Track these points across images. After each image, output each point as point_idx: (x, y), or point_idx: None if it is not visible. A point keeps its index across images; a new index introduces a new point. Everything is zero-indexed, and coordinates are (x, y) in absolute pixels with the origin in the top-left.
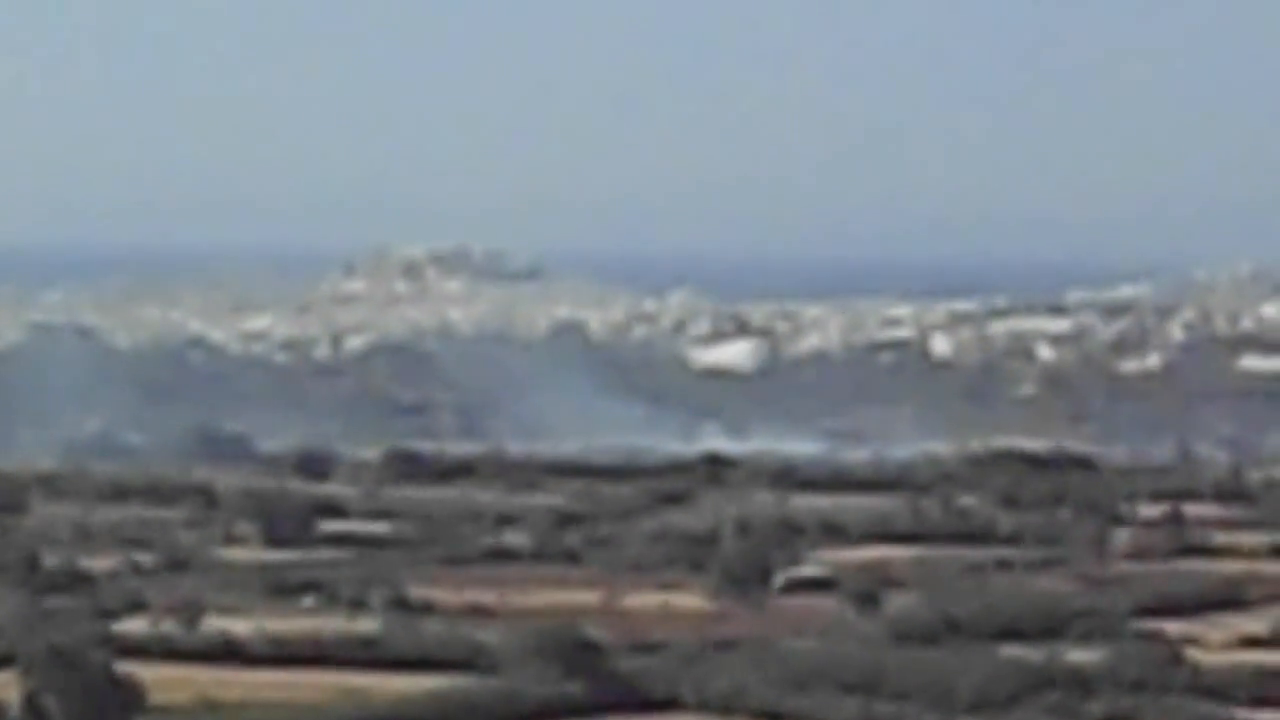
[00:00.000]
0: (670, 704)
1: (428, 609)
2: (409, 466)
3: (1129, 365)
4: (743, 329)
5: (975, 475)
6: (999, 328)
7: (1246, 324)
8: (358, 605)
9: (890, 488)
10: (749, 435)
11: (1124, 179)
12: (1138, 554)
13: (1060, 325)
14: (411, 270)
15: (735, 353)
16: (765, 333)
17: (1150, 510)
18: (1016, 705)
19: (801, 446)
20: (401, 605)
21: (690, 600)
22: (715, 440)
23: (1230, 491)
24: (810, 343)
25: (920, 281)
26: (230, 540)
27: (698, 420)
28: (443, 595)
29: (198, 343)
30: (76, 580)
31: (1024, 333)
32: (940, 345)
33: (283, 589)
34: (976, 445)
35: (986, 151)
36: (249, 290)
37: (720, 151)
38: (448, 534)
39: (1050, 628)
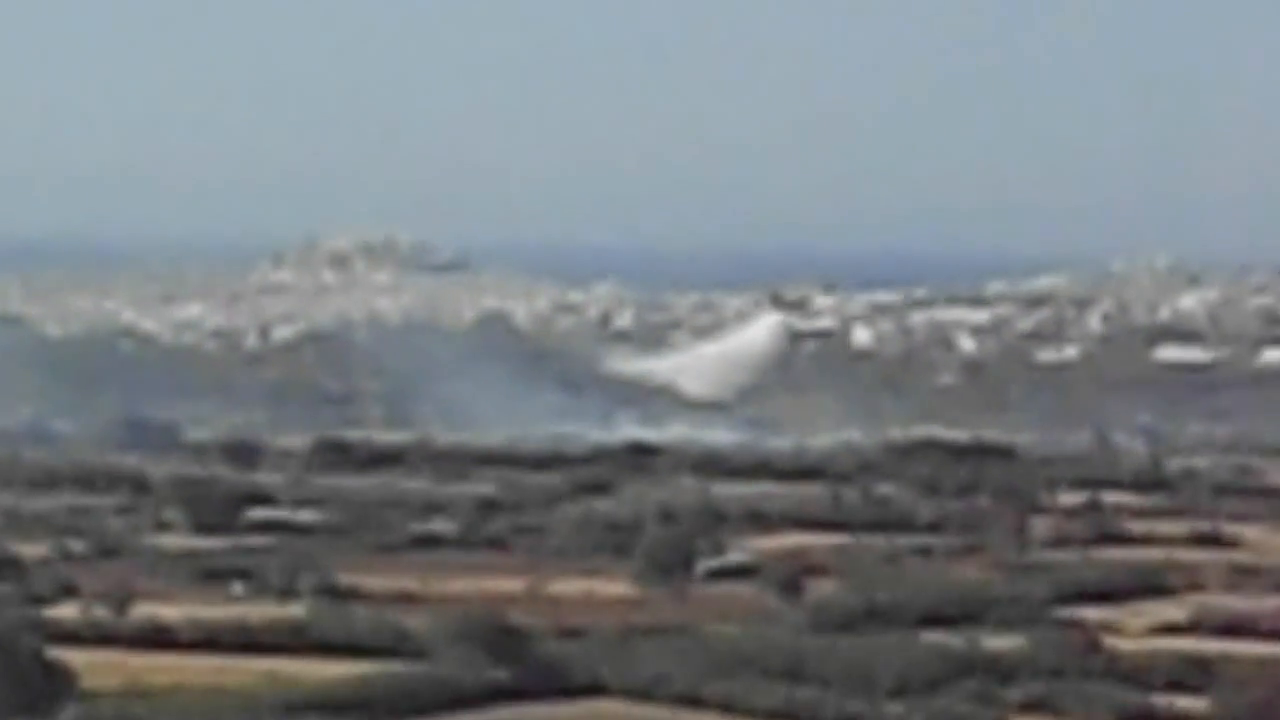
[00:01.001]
0: (594, 690)
1: (355, 595)
2: (337, 455)
3: (1047, 355)
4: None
5: (896, 464)
6: (919, 318)
7: (1163, 315)
8: (286, 592)
9: (812, 476)
10: (671, 424)
11: (1043, 171)
12: (1057, 542)
13: (980, 316)
14: (339, 261)
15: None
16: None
17: (1069, 498)
18: (936, 691)
19: (724, 435)
20: (329, 592)
21: (614, 587)
22: (638, 428)
23: (1148, 480)
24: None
25: (842, 273)
26: (160, 527)
27: (620, 408)
28: (370, 582)
29: (128, 332)
30: (7, 566)
31: (944, 323)
32: (861, 335)
33: (212, 575)
34: (897, 434)
35: (908, 144)
36: (179, 280)
37: (644, 144)
38: (375, 521)
39: (970, 614)
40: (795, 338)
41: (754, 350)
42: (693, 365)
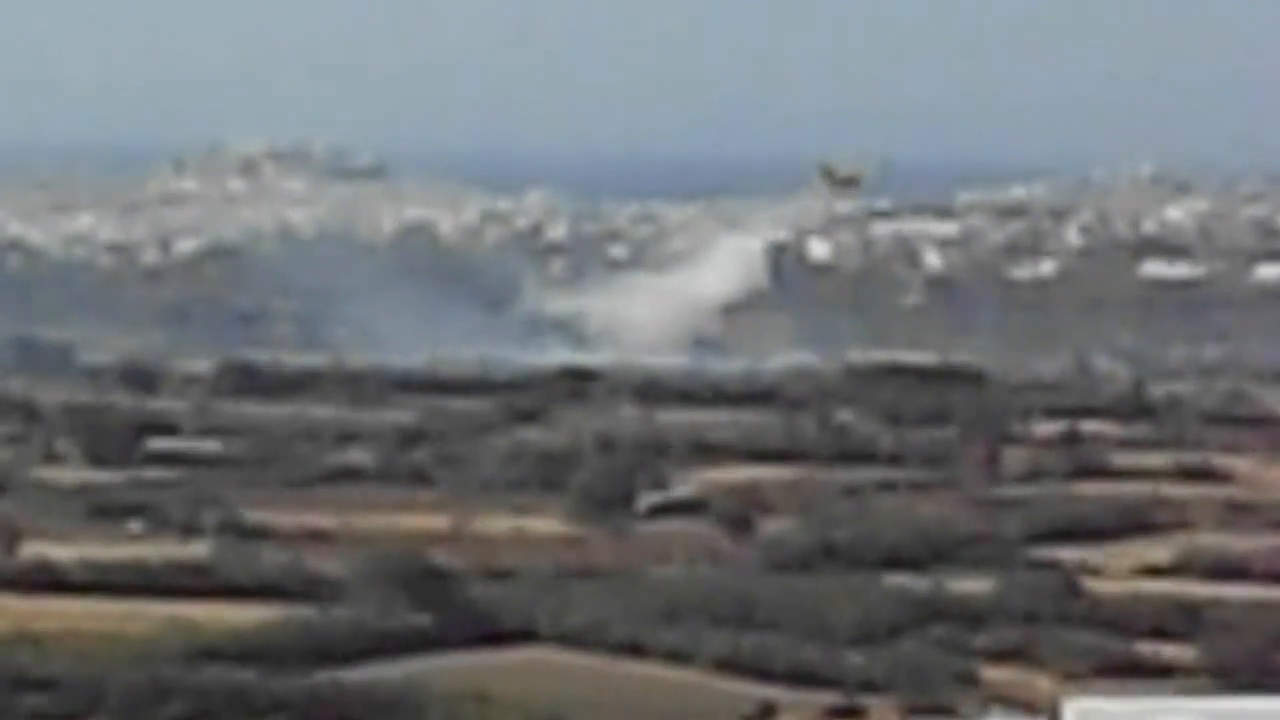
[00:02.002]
0: (525, 636)
1: (263, 534)
2: (244, 379)
3: (1022, 272)
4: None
5: (855, 389)
6: (882, 230)
7: (1148, 227)
8: (188, 530)
9: (763, 402)
10: (609, 345)
11: (1016, 68)
12: (1031, 475)
13: (948, 228)
14: (247, 168)
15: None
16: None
17: (1045, 428)
18: (899, 638)
19: (667, 358)
20: (235, 530)
21: (546, 524)
22: (573, 351)
23: (1131, 408)
24: (676, 245)
25: (798, 180)
26: (50, 459)
27: (554, 328)
28: (279, 519)
29: (14, 245)
30: None
31: (909, 236)
32: (818, 249)
33: (107, 512)
34: (856, 357)
35: (867, 38)
36: (70, 188)
37: (580, 41)
38: (285, 453)
39: (936, 555)
40: (786, 267)
41: (725, 289)
42: (644, 308)
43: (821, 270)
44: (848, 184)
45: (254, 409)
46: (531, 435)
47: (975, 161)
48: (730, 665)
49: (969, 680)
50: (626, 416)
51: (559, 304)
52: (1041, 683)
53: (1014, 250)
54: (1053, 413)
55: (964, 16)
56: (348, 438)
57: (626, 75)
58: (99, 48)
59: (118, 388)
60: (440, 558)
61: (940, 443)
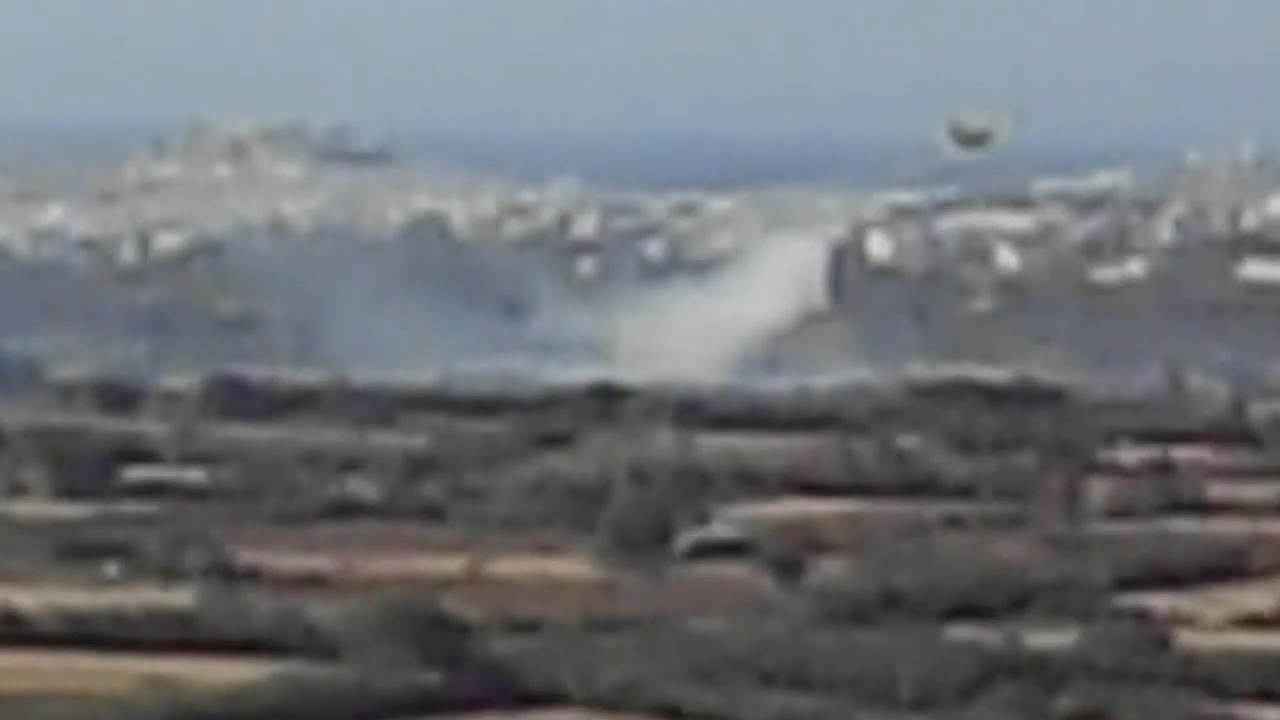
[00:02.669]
0: (549, 699)
1: (254, 578)
2: (233, 398)
3: (1106, 273)
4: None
5: (919, 411)
6: (948, 225)
7: (1250, 221)
8: (169, 573)
9: (816, 426)
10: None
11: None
12: (1117, 511)
13: (1023, 222)
14: (236, 151)
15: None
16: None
17: (1132, 455)
18: (969, 699)
19: (708, 374)
20: (222, 573)
21: (573, 567)
22: (604, 365)
23: (1230, 431)
24: (720, 243)
25: (855, 168)
26: (14, 490)
27: (586, 334)
28: (273, 561)
29: None
30: None
31: (979, 231)
32: (878, 247)
33: (78, 552)
34: (920, 373)
35: (930, 5)
36: (38, 175)
37: (611, 14)
38: (279, 484)
39: (1010, 603)
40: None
41: (777, 306)
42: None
43: (881, 272)
44: (977, 141)
45: (244, 433)
46: (557, 464)
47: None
48: None
49: None
50: (663, 442)
51: (585, 324)
52: None
53: (1097, 248)
54: (1141, 437)
55: None
56: (350, 466)
57: (662, 50)
58: (68, 14)
59: (90, 408)
60: (454, 605)
61: (1015, 472)
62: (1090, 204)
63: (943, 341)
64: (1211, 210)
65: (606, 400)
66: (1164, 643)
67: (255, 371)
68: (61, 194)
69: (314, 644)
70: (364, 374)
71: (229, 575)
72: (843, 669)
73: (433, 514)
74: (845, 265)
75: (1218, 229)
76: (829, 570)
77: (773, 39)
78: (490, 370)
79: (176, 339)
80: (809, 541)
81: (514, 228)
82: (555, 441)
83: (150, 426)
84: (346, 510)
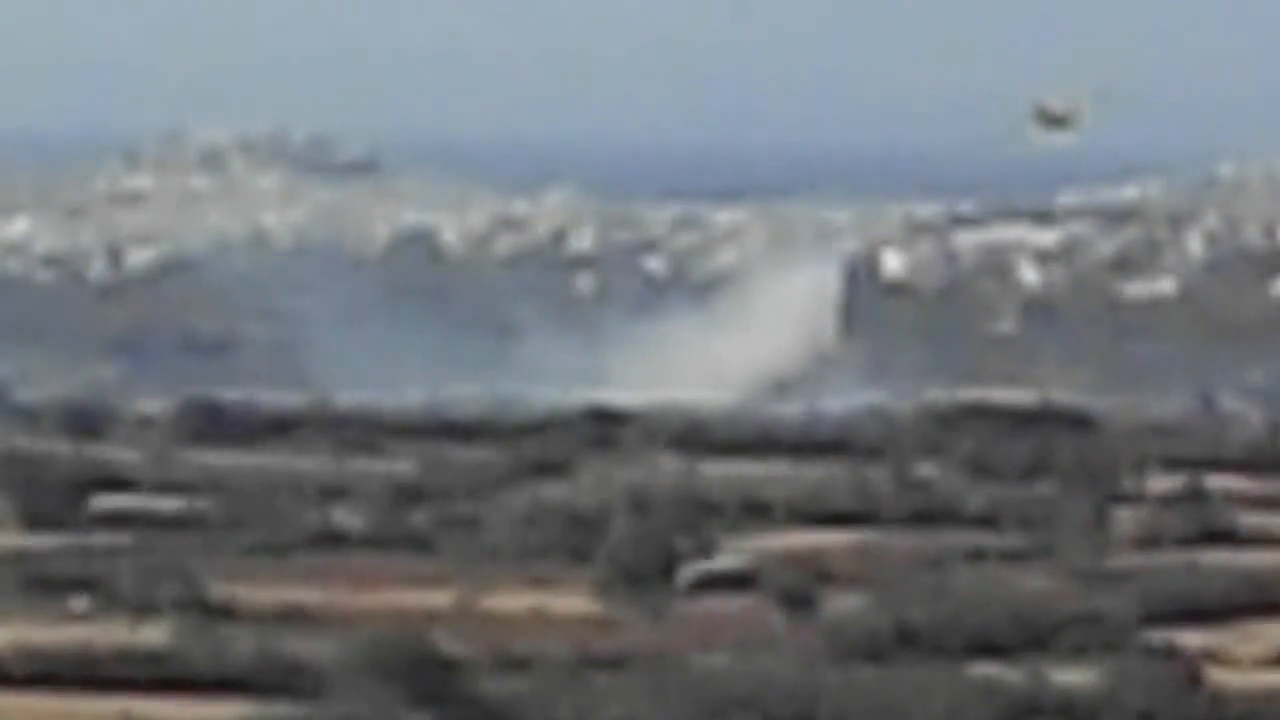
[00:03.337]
0: None
1: (232, 612)
2: (210, 423)
3: (1135, 290)
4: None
5: (936, 436)
6: (967, 240)
7: None
8: (142, 608)
9: (827, 452)
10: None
11: (1129, 45)
12: (1147, 542)
13: (1047, 237)
14: (213, 161)
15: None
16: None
17: (1163, 483)
18: None
19: (713, 397)
20: (198, 608)
21: (570, 601)
22: (605, 388)
23: (1266, 458)
24: (725, 259)
25: (868, 179)
26: None
27: (583, 359)
28: (252, 595)
29: None
30: None
31: (1001, 246)
32: (893, 263)
33: (45, 585)
34: (938, 396)
35: (950, 11)
36: (1, 187)
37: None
38: (259, 513)
39: (1033, 640)
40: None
41: (788, 336)
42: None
43: (895, 289)
44: (1061, 123)
45: (221, 460)
46: (552, 492)
47: (1078, 155)
48: None
49: None
50: (665, 469)
51: (581, 347)
52: None
53: (1125, 264)
54: (1172, 464)
55: None
56: (333, 495)
57: (663, 56)
58: (33, 19)
59: (58, 432)
60: (443, 642)
61: (1038, 502)
62: (1118, 217)
63: (961, 363)
64: (1246, 224)
65: (604, 425)
66: (1195, 681)
67: (233, 395)
68: (27, 206)
69: (295, 683)
70: (348, 398)
71: (205, 610)
72: (855, 709)
73: (421, 545)
74: (857, 284)
75: (1252, 244)
76: (840, 605)
77: (778, 47)
78: (481, 394)
79: (149, 360)
80: (819, 574)
81: (506, 242)
82: (550, 469)
83: (121, 453)
84: (329, 541)
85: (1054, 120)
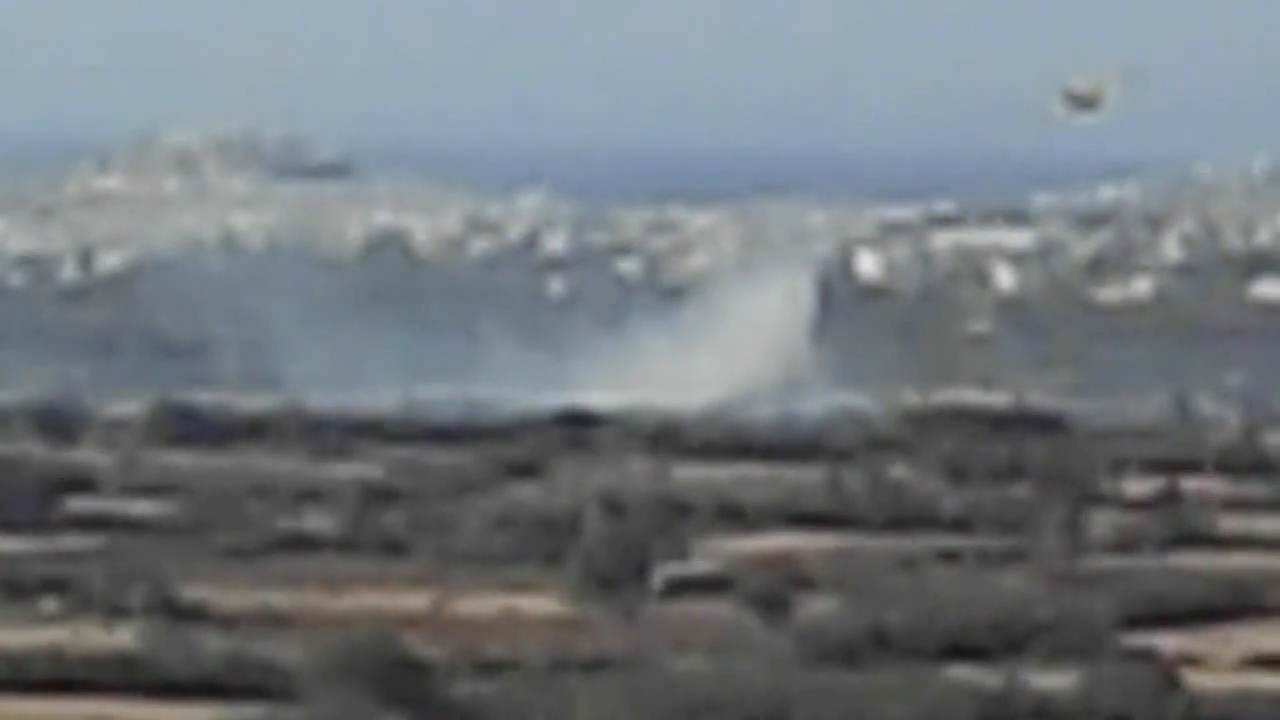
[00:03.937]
0: None
1: (203, 616)
2: (181, 425)
3: (1110, 293)
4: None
5: (911, 439)
6: (943, 241)
7: (1262, 238)
8: (113, 611)
9: (802, 455)
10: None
11: (1104, 48)
12: (1122, 544)
13: (1023, 239)
14: (185, 163)
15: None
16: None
17: (1138, 486)
18: None
19: (687, 400)
20: (169, 611)
21: (543, 604)
22: (579, 390)
23: (1242, 460)
24: (698, 261)
25: (843, 181)
26: None
27: (556, 362)
28: (223, 598)
29: None
30: None
31: (975, 249)
32: (868, 265)
33: (15, 588)
34: (913, 399)
35: (925, 9)
36: None
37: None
38: (230, 516)
39: (1009, 643)
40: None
41: (767, 374)
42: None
43: (871, 292)
44: (1087, 105)
45: (192, 462)
46: (525, 495)
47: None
48: None
49: None
50: (638, 472)
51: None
52: None
53: (1101, 266)
54: (1148, 467)
55: None
56: (305, 497)
57: (636, 58)
58: (6, 22)
59: (28, 435)
60: (416, 645)
61: (1013, 504)
62: (1093, 220)
63: (936, 365)
64: (1222, 227)
65: (577, 427)
66: (1172, 684)
67: (204, 397)
68: None
69: (267, 686)
70: (320, 400)
71: (176, 613)
72: (830, 713)
73: (393, 548)
74: (831, 291)
75: (1228, 246)
76: (816, 608)
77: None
78: (454, 396)
79: (121, 362)
80: (794, 577)
81: (479, 244)
82: (523, 471)
83: (92, 455)
84: (301, 544)
85: (1080, 101)
